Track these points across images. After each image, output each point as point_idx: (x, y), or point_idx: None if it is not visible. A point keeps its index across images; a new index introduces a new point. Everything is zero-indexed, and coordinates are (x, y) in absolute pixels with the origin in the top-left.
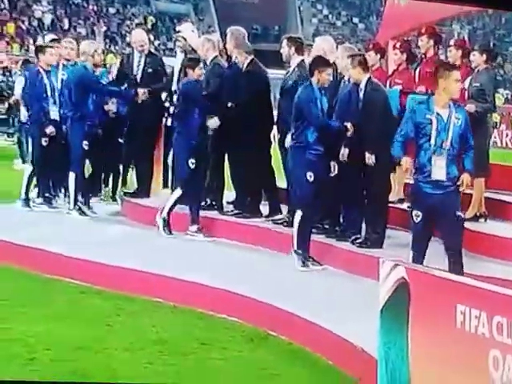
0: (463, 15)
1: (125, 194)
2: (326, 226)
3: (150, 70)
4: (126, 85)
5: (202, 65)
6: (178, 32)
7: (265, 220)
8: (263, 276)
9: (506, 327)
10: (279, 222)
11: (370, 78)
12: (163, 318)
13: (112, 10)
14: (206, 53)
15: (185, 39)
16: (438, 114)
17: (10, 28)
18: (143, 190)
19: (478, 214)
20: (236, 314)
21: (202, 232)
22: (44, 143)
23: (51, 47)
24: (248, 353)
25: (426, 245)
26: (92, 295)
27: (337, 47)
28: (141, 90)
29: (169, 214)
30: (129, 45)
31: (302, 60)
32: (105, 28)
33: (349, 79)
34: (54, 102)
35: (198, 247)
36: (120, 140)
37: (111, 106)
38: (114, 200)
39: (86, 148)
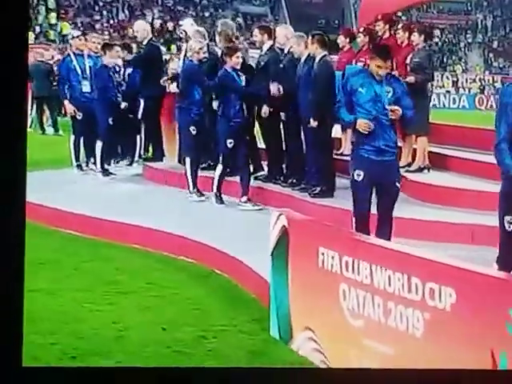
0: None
1: (144, 159)
2: (294, 181)
3: None
4: None
5: (239, 54)
6: (181, 26)
7: None
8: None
9: (350, 265)
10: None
11: (325, 55)
12: (130, 262)
13: (207, 14)
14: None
15: (185, 32)
16: None
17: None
18: (158, 156)
19: (421, 166)
20: (192, 256)
21: (250, 202)
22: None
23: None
24: (184, 290)
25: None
26: (79, 243)
27: None
28: None
29: (218, 188)
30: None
31: (272, 44)
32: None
33: (305, 60)
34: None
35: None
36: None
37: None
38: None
39: (194, 133)
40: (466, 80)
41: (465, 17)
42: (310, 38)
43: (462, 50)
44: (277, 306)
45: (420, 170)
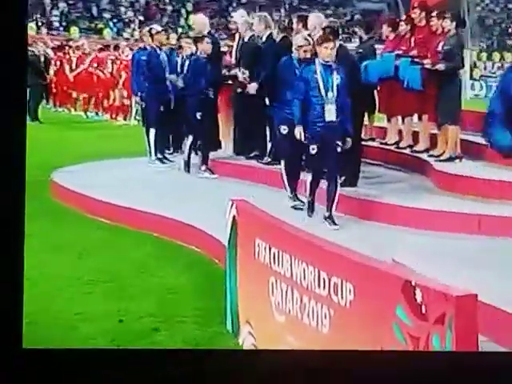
0: None
1: None
2: None
3: None
4: None
5: (310, 47)
6: (232, 17)
7: None
8: None
9: (277, 257)
10: None
11: (340, 44)
12: (135, 250)
13: (329, 12)
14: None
15: (235, 22)
16: None
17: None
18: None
19: (453, 155)
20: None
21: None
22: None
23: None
24: (171, 279)
25: None
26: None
27: None
28: None
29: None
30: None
31: (270, 33)
32: None
33: None
34: None
35: None
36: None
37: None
38: None
39: (285, 132)
40: None
41: None
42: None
43: None
44: (230, 299)
45: (451, 159)
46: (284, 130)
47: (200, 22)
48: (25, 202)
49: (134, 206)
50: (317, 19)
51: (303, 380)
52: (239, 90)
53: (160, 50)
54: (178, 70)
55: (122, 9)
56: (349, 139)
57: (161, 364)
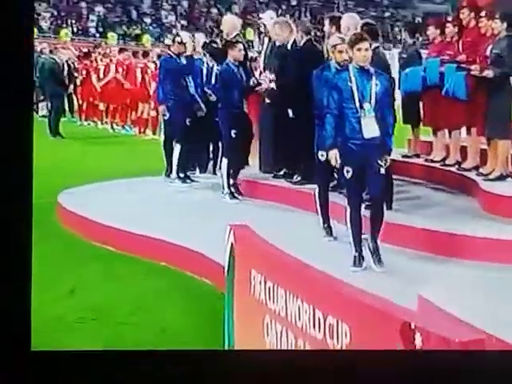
0: None
1: None
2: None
3: None
4: None
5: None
6: (261, 19)
7: None
8: None
9: (272, 292)
10: None
11: (377, 46)
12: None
13: (387, 14)
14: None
15: (265, 25)
16: None
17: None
18: None
19: (504, 173)
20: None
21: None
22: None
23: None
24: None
25: None
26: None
27: None
28: None
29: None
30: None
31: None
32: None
33: None
34: None
35: None
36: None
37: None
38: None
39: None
40: None
41: None
42: (360, 28)
43: None
44: (228, 336)
45: (501, 178)
46: (322, 156)
47: (229, 22)
48: (32, 226)
49: (144, 231)
50: (351, 20)
51: (303, 380)
52: (268, 101)
53: (179, 57)
54: (204, 79)
55: (163, 13)
56: (388, 157)
57: (160, 364)
